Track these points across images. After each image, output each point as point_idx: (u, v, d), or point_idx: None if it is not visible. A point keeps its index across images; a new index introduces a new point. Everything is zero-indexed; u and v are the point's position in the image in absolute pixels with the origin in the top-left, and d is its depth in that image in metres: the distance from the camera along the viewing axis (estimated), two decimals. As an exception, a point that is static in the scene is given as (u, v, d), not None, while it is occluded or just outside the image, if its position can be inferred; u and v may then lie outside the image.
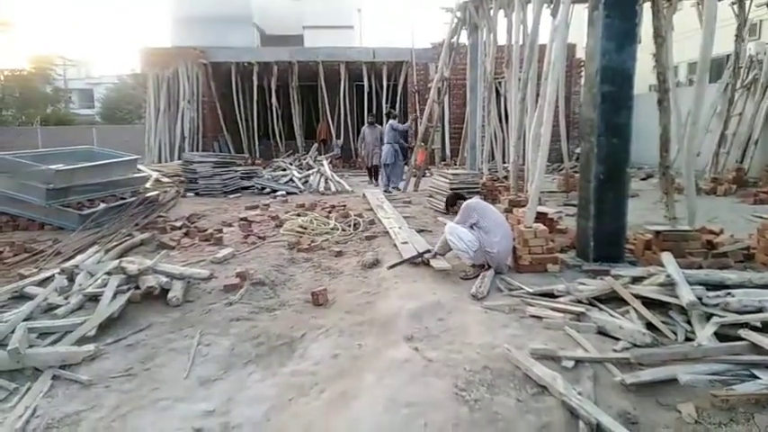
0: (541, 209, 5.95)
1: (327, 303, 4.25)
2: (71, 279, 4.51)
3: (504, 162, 10.80)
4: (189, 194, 10.29)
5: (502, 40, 9.44)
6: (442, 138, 16.97)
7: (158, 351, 3.53)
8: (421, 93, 16.72)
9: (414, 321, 3.72)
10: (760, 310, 3.17)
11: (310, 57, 17.05)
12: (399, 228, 6.61)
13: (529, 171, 6.47)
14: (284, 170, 12.99)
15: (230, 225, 7.19)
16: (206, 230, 6.71)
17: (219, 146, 16.85)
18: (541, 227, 4.96)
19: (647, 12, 5.69)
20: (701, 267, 4.37)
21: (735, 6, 10.52)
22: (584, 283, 4.10)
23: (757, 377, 2.65)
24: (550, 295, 4.04)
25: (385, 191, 10.55)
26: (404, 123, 12.94)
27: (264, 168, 13.31)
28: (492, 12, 9.22)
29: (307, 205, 8.67)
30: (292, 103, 17.43)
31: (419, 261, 5.03)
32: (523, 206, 5.93)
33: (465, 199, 5.18)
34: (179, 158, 13.46)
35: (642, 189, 10.17)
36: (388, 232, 6.49)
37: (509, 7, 8.39)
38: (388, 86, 17.40)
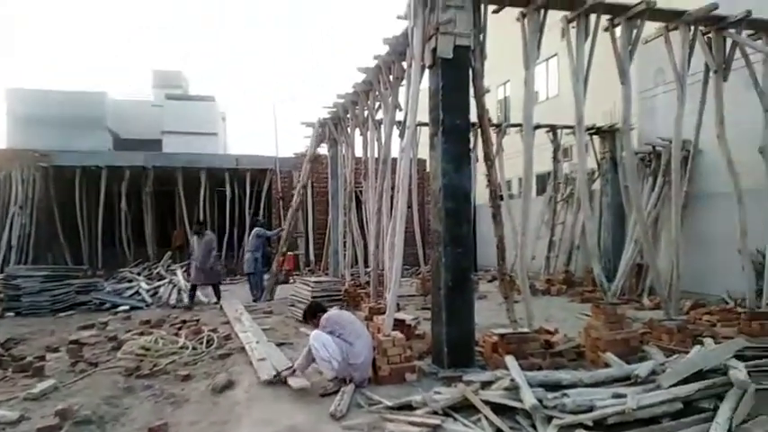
0: (399, 316, 6.09)
1: (167, 440, 3.75)
2: None
3: (366, 267, 11.07)
4: (8, 314, 8.84)
5: (360, 153, 10.09)
6: (306, 243, 17.04)
7: None
8: (285, 200, 16.88)
9: (267, 452, 3.42)
10: (591, 409, 3.45)
11: (168, 162, 16.52)
12: (257, 342, 6.27)
13: (387, 278, 6.67)
14: (130, 281, 11.88)
15: (56, 350, 6.22)
16: (23, 359, 5.72)
17: (54, 256, 15.01)
18: (399, 335, 5.03)
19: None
20: (540, 368, 4.70)
21: (549, 133, 12.56)
22: (439, 392, 4.15)
23: (593, 477, 2.81)
24: (409, 407, 4.01)
25: (254, 300, 10.18)
26: (270, 230, 12.87)
27: (107, 280, 12.04)
28: (349, 129, 9.91)
29: (153, 322, 7.89)
30: (145, 209, 16.45)
31: (277, 380, 4.77)
32: (383, 313, 6.01)
33: (325, 309, 5.14)
34: (1, 272, 11.67)
35: (490, 291, 10.97)
36: (244, 348, 6.12)
37: (364, 126, 9.08)
38: (252, 193, 17.33)
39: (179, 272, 12.40)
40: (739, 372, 3.79)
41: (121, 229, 15.97)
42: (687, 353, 4.65)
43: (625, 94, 6.00)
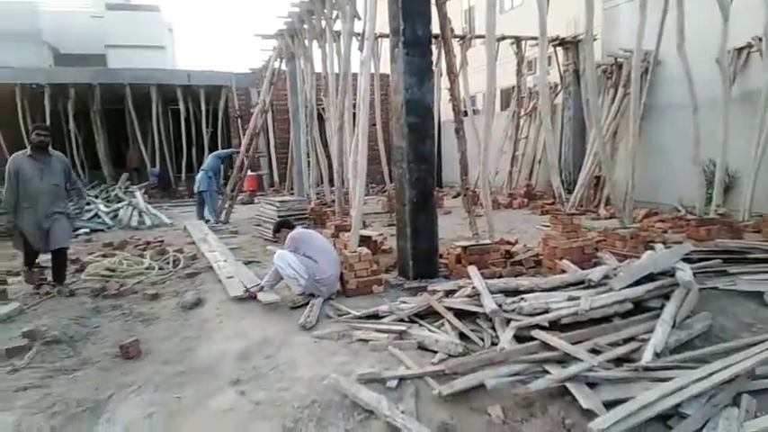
0: (365, 232, 6.17)
1: (140, 355, 3.82)
2: None
3: (331, 186, 11.03)
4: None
5: (319, 67, 9.68)
6: (269, 163, 16.77)
7: None
8: (244, 118, 16.34)
9: (241, 362, 3.55)
10: (546, 311, 3.67)
11: (115, 79, 15.54)
12: (225, 261, 6.30)
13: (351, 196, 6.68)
14: (88, 204, 11.53)
15: (16, 274, 6.11)
16: (-18, 284, 5.60)
17: (2, 180, 14.33)
18: (365, 250, 5.13)
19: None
20: (501, 276, 4.93)
21: (514, 46, 12.30)
22: (405, 302, 4.33)
23: (548, 372, 3.04)
24: (376, 316, 4.18)
25: (206, 220, 9.96)
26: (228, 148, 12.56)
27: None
28: (307, 42, 9.42)
29: (116, 244, 7.78)
30: (95, 129, 15.66)
31: (247, 296, 4.86)
32: (349, 231, 6.08)
33: (292, 226, 5.16)
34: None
35: (455, 206, 11.19)
36: (212, 267, 6.15)
37: (322, 39, 8.65)
38: (207, 111, 16.64)
39: (138, 193, 12.08)
40: (685, 273, 4.05)
41: (72, 151, 15.26)
42: (639, 258, 4.92)
43: (588, 3, 5.86)
